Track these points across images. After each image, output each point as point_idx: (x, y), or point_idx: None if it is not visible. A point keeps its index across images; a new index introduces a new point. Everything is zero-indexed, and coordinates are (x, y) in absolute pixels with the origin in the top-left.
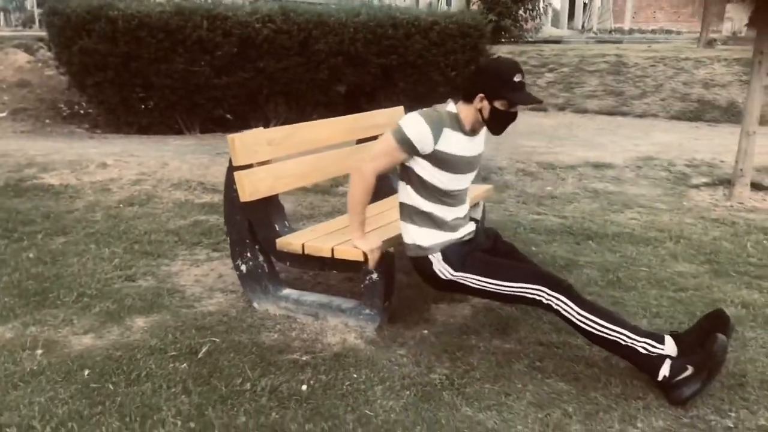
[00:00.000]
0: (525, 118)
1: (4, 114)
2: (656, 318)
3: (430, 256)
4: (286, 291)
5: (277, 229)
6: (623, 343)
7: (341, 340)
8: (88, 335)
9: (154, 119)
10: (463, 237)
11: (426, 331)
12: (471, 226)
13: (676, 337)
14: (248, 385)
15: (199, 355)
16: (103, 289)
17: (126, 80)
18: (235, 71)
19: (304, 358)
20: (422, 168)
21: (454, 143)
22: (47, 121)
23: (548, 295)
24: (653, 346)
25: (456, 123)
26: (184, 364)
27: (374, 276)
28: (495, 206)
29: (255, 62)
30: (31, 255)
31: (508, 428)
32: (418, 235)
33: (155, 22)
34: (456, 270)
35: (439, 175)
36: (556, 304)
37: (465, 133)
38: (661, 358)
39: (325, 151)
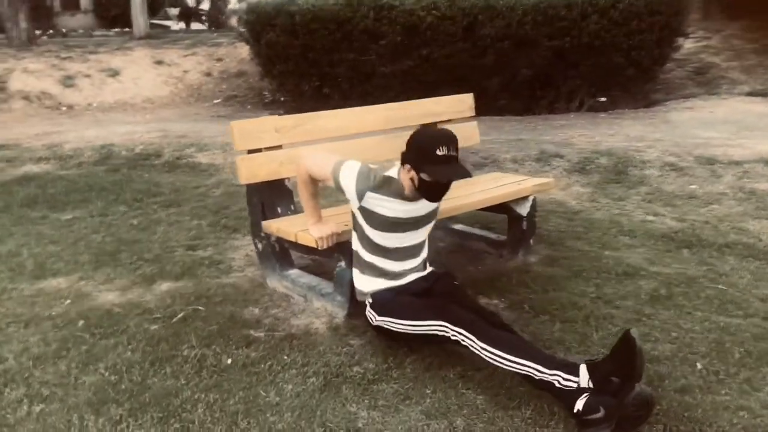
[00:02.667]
0: (732, 104)
1: (219, 100)
2: (667, 343)
3: (365, 301)
4: (291, 271)
5: (279, 212)
6: (536, 377)
7: (308, 323)
8: (114, 293)
9: (331, 107)
10: (404, 284)
11: None
12: (420, 273)
13: (592, 365)
14: (186, 352)
15: (173, 320)
16: (162, 255)
17: (304, 70)
18: (400, 59)
19: (257, 335)
20: (359, 219)
21: (382, 206)
22: (249, 106)
23: (452, 330)
24: (565, 379)
25: (389, 188)
26: (155, 326)
27: (342, 263)
28: (607, 204)
29: (419, 50)
30: (134, 222)
31: (370, 429)
32: (359, 280)
33: (327, 14)
34: (378, 315)
35: (371, 231)
36: (462, 340)
37: (402, 197)
38: (579, 391)
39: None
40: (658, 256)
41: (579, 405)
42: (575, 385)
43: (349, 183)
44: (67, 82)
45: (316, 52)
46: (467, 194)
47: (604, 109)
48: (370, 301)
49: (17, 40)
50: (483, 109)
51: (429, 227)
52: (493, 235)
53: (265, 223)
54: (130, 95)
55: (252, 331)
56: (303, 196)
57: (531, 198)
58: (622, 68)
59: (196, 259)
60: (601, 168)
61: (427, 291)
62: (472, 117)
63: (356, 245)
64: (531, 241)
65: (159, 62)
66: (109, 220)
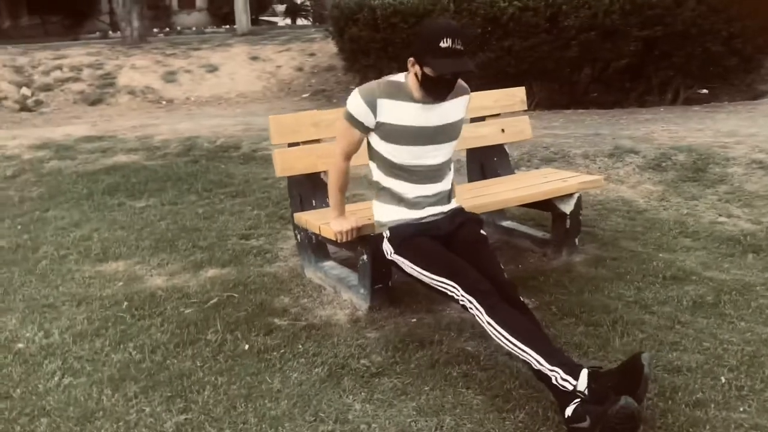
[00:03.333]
0: None
1: (307, 94)
2: (695, 354)
3: (383, 233)
4: (326, 263)
5: (314, 204)
6: (535, 367)
7: (332, 314)
8: (163, 277)
9: None
10: (423, 218)
11: (414, 320)
12: (441, 208)
13: (594, 374)
14: (209, 336)
15: (206, 305)
16: (216, 243)
17: (385, 64)
18: (481, 51)
19: (280, 323)
20: (376, 142)
21: (397, 113)
22: (334, 100)
23: (461, 294)
24: (563, 378)
25: (400, 91)
26: (189, 310)
27: (365, 258)
28: (676, 203)
29: (501, 41)
30: (200, 211)
31: (359, 422)
32: (378, 211)
33: (407, 8)
34: (395, 251)
35: (389, 148)
36: (469, 306)
37: (414, 100)
38: (573, 394)
39: None
40: (718, 261)
41: (569, 411)
42: (571, 387)
43: (357, 102)
44: (169, 77)
45: (396, 46)
46: (509, 189)
47: (702, 102)
48: (387, 234)
49: (130, 38)
50: (570, 102)
51: (449, 147)
52: (538, 233)
53: (296, 215)
54: (225, 90)
55: (276, 319)
56: (330, 188)
57: (576, 195)
58: (722, 58)
59: (246, 248)
60: (677, 165)
61: (449, 236)
62: (523, 111)
63: (374, 174)
64: (576, 240)
65: (254, 58)
66: (177, 209)
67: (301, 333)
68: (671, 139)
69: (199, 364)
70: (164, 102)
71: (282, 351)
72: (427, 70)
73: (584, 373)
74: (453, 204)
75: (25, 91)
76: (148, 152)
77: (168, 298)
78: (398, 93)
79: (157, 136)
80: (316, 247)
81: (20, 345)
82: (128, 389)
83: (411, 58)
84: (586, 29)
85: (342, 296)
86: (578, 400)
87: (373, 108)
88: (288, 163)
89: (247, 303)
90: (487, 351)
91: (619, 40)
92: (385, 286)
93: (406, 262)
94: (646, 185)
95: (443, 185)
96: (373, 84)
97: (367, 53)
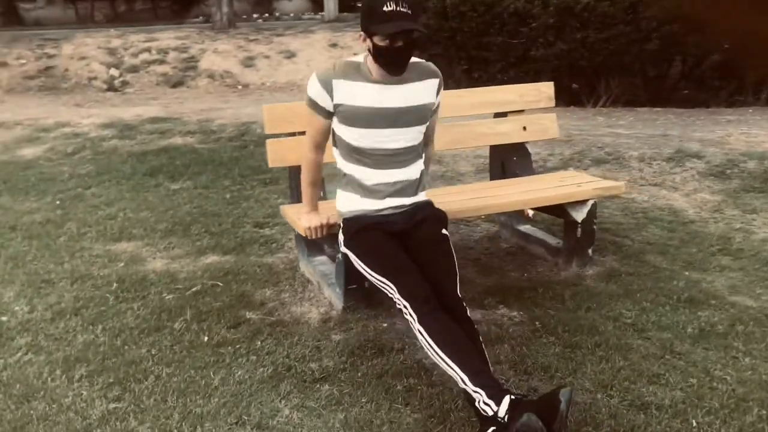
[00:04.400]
0: None
1: None
2: (675, 390)
3: (341, 222)
4: (318, 258)
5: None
6: (460, 385)
7: (306, 311)
8: (163, 261)
9: None
10: (381, 210)
11: (385, 324)
12: (403, 200)
13: (516, 402)
14: (176, 325)
15: (188, 293)
16: (228, 230)
17: (453, 54)
18: (553, 43)
19: (251, 316)
20: (336, 125)
21: (353, 94)
22: None
23: (397, 296)
24: (485, 402)
25: (357, 72)
26: (170, 296)
27: (339, 257)
28: (731, 216)
29: (574, 33)
30: (228, 196)
31: (280, 429)
32: (339, 200)
33: None
34: (345, 243)
35: (347, 131)
36: (403, 311)
37: (372, 81)
38: (492, 420)
39: None
40: (751, 285)
41: None
42: (492, 413)
43: (314, 85)
44: (248, 62)
45: (464, 34)
46: (517, 192)
47: None
48: (341, 224)
49: (219, 23)
50: (652, 99)
51: (414, 132)
52: (552, 241)
53: (282, 207)
54: (300, 76)
55: (249, 313)
56: (302, 182)
57: (589, 203)
58: None
59: (255, 237)
60: (744, 173)
61: (406, 233)
62: (549, 108)
63: (338, 161)
64: (590, 250)
65: (333, 45)
66: (207, 193)
67: (266, 329)
68: (746, 144)
69: (153, 353)
70: (240, 86)
71: (238, 346)
72: (377, 39)
73: (506, 400)
74: (419, 197)
75: (113, 71)
76: (203, 135)
77: (156, 283)
78: (355, 73)
79: (217, 120)
80: (309, 240)
81: (3, 318)
82: (77, 372)
83: (360, 33)
84: (669, 21)
85: (324, 292)
86: (494, 427)
87: (329, 89)
88: (279, 154)
89: (228, 293)
90: None
91: (704, 34)
92: (360, 287)
93: (353, 255)
94: (703, 194)
95: (407, 173)
96: (330, 65)
97: (436, 42)
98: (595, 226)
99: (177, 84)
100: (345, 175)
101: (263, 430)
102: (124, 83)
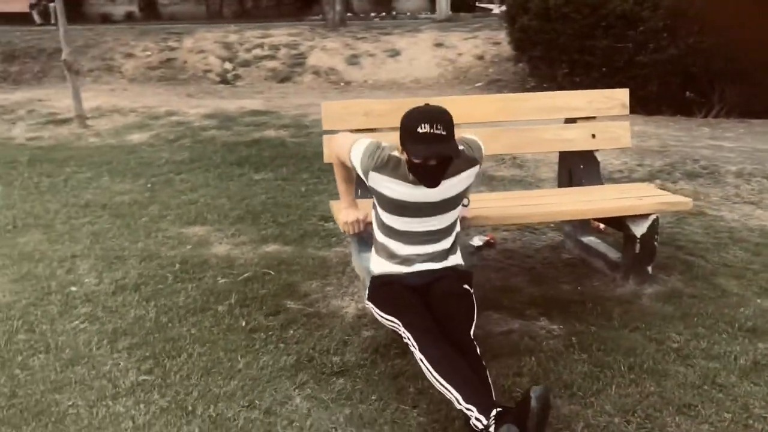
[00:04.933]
0: None
1: (480, 84)
2: (703, 424)
3: (368, 278)
4: (367, 253)
5: (358, 193)
6: (457, 406)
7: (344, 305)
8: (227, 246)
9: None
10: (411, 272)
11: None
12: (433, 265)
13: (501, 413)
14: (219, 308)
15: (239, 279)
16: (294, 221)
17: (555, 56)
18: (662, 48)
19: (291, 306)
20: (374, 198)
21: (388, 187)
22: (506, 91)
23: (402, 329)
24: (477, 418)
25: (396, 169)
26: (223, 280)
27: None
28: None
29: (686, 38)
30: (303, 189)
31: (285, 417)
32: (372, 261)
33: None
34: (368, 297)
35: (381, 212)
36: (407, 342)
37: (407, 180)
38: None
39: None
40: None
41: None
42: (482, 426)
43: (356, 161)
44: (353, 60)
45: (567, 37)
46: (575, 201)
47: None
48: (368, 283)
49: (331, 21)
50: None
51: (449, 216)
52: (613, 255)
53: (331, 203)
54: (401, 75)
55: (290, 302)
56: (337, 179)
57: (651, 218)
58: None
59: (317, 229)
60: None
61: (427, 286)
62: (622, 116)
63: (374, 225)
64: (649, 268)
65: (439, 45)
66: (285, 184)
67: (302, 319)
68: None
69: (192, 332)
70: (342, 84)
71: (270, 333)
72: (411, 157)
73: (494, 413)
74: (450, 261)
75: (227, 65)
76: (295, 129)
77: (215, 266)
78: (394, 170)
79: (311, 116)
80: (358, 236)
81: (73, 288)
82: (121, 343)
83: (400, 144)
84: None
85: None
86: None
87: (366, 175)
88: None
89: (277, 281)
90: None
91: None
92: None
93: (372, 305)
94: None
95: (440, 246)
96: (376, 152)
97: (536, 44)
98: (656, 243)
99: (284, 79)
100: (378, 242)
101: (271, 415)
102: (236, 76)
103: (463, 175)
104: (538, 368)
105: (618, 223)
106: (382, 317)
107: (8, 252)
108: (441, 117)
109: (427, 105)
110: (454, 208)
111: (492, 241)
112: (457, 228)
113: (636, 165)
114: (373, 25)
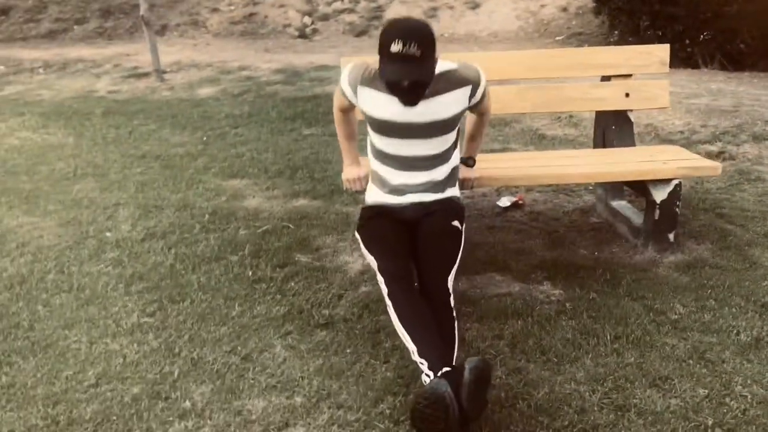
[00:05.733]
0: None
1: (561, 37)
2: (673, 398)
3: (360, 209)
4: None
5: None
6: (412, 357)
7: (351, 261)
8: (258, 199)
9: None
10: (402, 204)
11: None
12: (424, 196)
13: (446, 372)
14: (232, 258)
15: (258, 230)
16: (329, 177)
17: (636, 7)
18: None
19: (300, 259)
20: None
21: (376, 104)
22: (586, 45)
23: (377, 273)
24: (425, 373)
25: (382, 83)
26: (244, 231)
27: None
28: None
29: None
30: None
31: (260, 364)
32: (367, 192)
33: None
34: (357, 229)
35: (372, 134)
36: (380, 284)
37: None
38: None
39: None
40: None
41: None
42: (428, 381)
43: (345, 80)
44: (431, 13)
45: None
46: (594, 163)
47: None
48: (359, 212)
49: None
50: None
51: (442, 141)
52: (637, 221)
53: None
54: (479, 28)
55: (300, 256)
56: (339, 136)
57: (673, 183)
58: None
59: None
60: None
61: (416, 222)
62: (661, 74)
63: (368, 154)
64: (670, 235)
65: None
66: (331, 140)
67: (305, 272)
68: None
69: (201, 280)
70: None
71: (272, 284)
72: (382, 77)
73: (442, 371)
74: (445, 194)
75: (306, 19)
76: None
77: (241, 218)
78: (380, 83)
79: None
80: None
81: (108, 234)
82: (135, 287)
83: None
84: None
85: None
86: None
87: (354, 92)
88: None
89: (294, 235)
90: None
91: None
92: None
93: (360, 241)
94: None
95: (433, 175)
96: (361, 66)
97: None
98: (678, 209)
99: (360, 33)
100: (373, 171)
101: (247, 361)
102: (314, 31)
103: (454, 94)
104: (520, 332)
105: (641, 188)
106: (365, 252)
107: (62, 198)
108: (416, 35)
109: (407, 18)
110: (447, 132)
111: (521, 202)
112: (455, 159)
113: (699, 126)
114: None
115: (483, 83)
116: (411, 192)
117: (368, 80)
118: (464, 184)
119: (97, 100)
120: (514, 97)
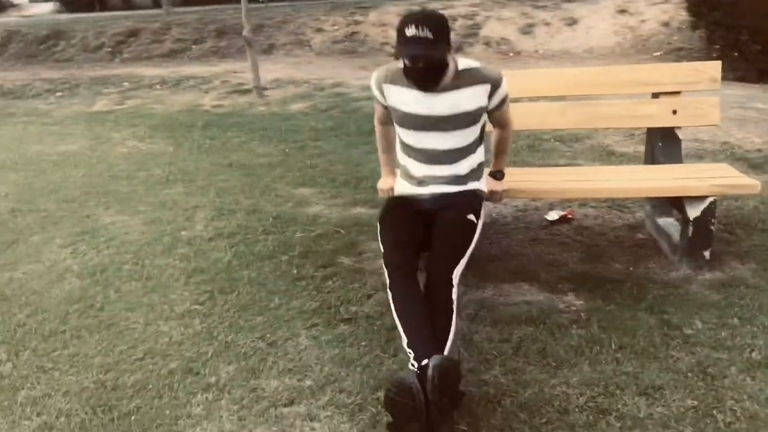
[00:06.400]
0: None
1: (659, 53)
2: (653, 408)
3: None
4: None
5: None
6: (402, 345)
7: None
8: (321, 207)
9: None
10: (425, 195)
11: None
12: (448, 188)
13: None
14: (283, 257)
15: (311, 234)
16: (353, 182)
17: (733, 21)
18: None
19: (343, 260)
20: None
21: (400, 99)
22: (685, 60)
23: (383, 260)
24: (411, 363)
25: (403, 78)
26: (299, 235)
27: None
28: None
29: None
30: None
31: (282, 351)
32: (396, 183)
33: None
34: (379, 219)
35: (399, 129)
36: (384, 274)
37: (414, 87)
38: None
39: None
40: None
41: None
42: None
43: (373, 83)
44: (526, 29)
45: (751, 2)
46: (626, 179)
47: None
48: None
49: None
50: None
51: (462, 134)
52: (676, 237)
53: None
54: (574, 44)
55: (344, 258)
56: (378, 149)
57: (708, 200)
58: None
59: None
60: None
61: (434, 213)
62: (712, 90)
63: (397, 149)
64: (706, 253)
65: (622, 11)
66: None
67: (344, 273)
68: None
69: (251, 276)
70: (511, 54)
71: (311, 282)
72: (403, 59)
73: (425, 362)
74: (467, 186)
75: None
76: None
77: (300, 223)
78: (402, 79)
79: None
80: None
81: (183, 233)
82: (194, 279)
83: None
84: None
85: None
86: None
87: (381, 91)
88: None
89: (342, 239)
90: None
91: None
92: None
93: (379, 229)
94: None
95: (456, 169)
96: (384, 68)
97: (714, 8)
98: (713, 227)
99: (455, 50)
100: (400, 164)
101: (272, 347)
102: None
103: (474, 89)
104: (528, 337)
105: (679, 205)
106: (379, 242)
107: (152, 200)
108: (429, 20)
109: (422, 8)
110: (468, 126)
111: (570, 216)
112: (479, 156)
113: (762, 142)
114: None
115: (504, 87)
116: (433, 183)
117: (391, 78)
118: (492, 197)
119: (201, 113)
120: (554, 112)
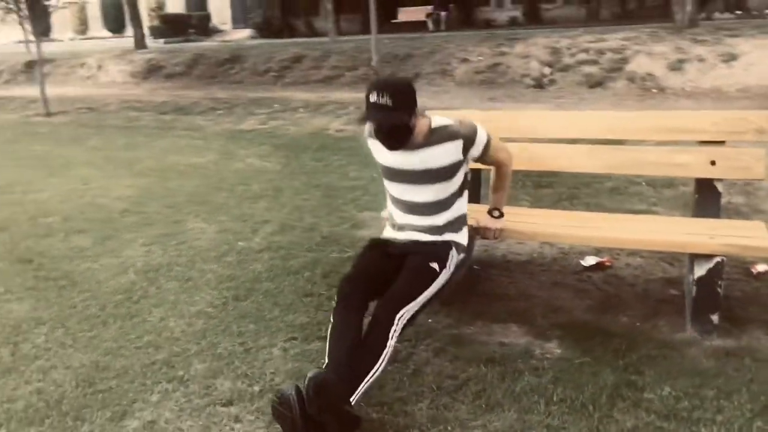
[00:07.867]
0: None
1: None
2: None
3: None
4: None
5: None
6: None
7: None
8: (370, 230)
9: None
10: (403, 240)
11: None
12: (422, 236)
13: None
14: (306, 275)
15: (345, 255)
16: None
17: None
18: None
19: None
20: None
21: (381, 154)
22: None
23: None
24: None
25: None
26: (334, 254)
27: None
28: None
29: None
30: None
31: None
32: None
33: None
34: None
35: (384, 180)
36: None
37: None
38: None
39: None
40: None
41: None
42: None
43: (364, 135)
44: (676, 65)
45: None
46: (632, 229)
47: None
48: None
49: (680, 22)
50: None
51: (440, 189)
52: None
53: None
54: (729, 82)
55: None
56: None
57: (714, 260)
58: None
59: None
60: None
61: (403, 257)
62: (759, 142)
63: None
64: (713, 317)
65: None
66: None
67: None
68: None
69: (271, 289)
70: (654, 90)
71: (317, 298)
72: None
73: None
74: (443, 237)
75: (545, 69)
76: None
77: (342, 244)
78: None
79: None
80: None
81: (241, 243)
82: (224, 284)
83: None
84: None
85: None
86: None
87: (367, 145)
88: None
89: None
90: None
91: None
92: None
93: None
94: None
95: (434, 220)
96: (369, 124)
97: None
98: (720, 289)
99: (595, 85)
100: (388, 212)
101: (245, 352)
102: (551, 81)
103: (445, 147)
104: (476, 377)
105: (691, 264)
106: None
107: (235, 212)
108: (390, 87)
109: (390, 75)
110: (442, 180)
111: (608, 263)
112: (459, 208)
113: None
114: (724, 25)
115: (480, 137)
116: (411, 230)
117: (372, 134)
118: (485, 234)
119: (323, 136)
120: (582, 155)
